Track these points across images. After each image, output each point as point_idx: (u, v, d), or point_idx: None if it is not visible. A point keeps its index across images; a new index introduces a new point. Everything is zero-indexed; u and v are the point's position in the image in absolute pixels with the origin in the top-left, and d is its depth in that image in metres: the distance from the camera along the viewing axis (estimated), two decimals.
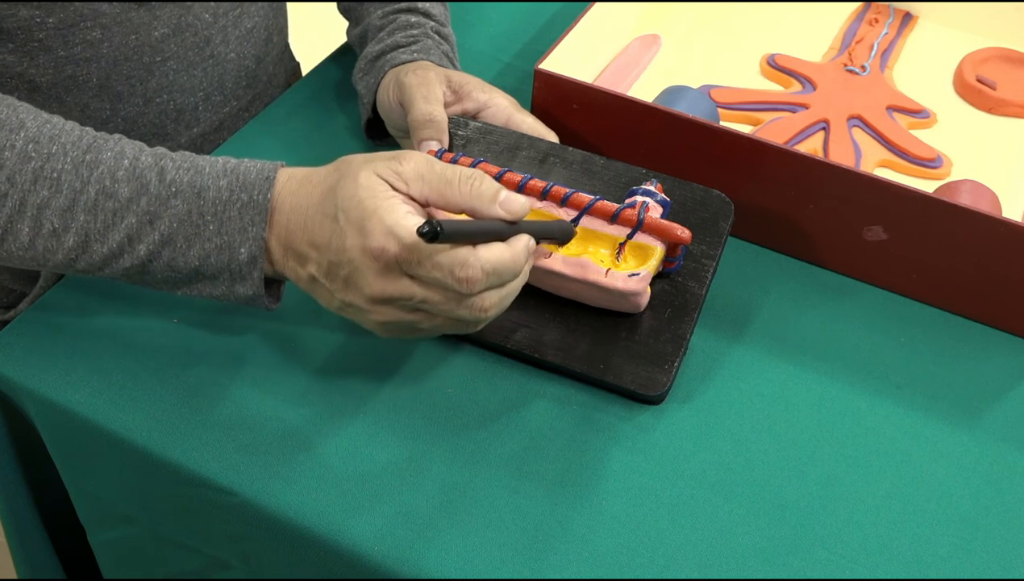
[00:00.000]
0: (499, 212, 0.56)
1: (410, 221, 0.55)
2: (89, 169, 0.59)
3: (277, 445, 0.62)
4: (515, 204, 0.57)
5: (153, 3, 0.76)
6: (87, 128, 0.61)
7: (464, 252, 0.54)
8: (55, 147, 0.59)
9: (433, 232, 0.51)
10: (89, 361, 0.65)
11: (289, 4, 0.99)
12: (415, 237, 0.54)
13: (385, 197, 0.55)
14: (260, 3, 0.87)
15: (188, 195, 0.59)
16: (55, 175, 0.59)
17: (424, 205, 0.57)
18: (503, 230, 0.56)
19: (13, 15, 0.71)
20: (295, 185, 0.59)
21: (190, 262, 0.59)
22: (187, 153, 0.61)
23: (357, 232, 0.55)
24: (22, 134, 0.59)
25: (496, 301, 0.57)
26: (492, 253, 0.55)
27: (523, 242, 0.57)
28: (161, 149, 0.61)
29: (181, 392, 0.64)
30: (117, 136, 0.61)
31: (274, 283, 0.63)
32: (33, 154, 0.59)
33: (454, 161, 0.69)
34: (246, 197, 0.58)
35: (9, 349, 0.66)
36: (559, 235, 0.63)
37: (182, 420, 0.62)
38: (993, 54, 0.93)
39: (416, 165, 0.56)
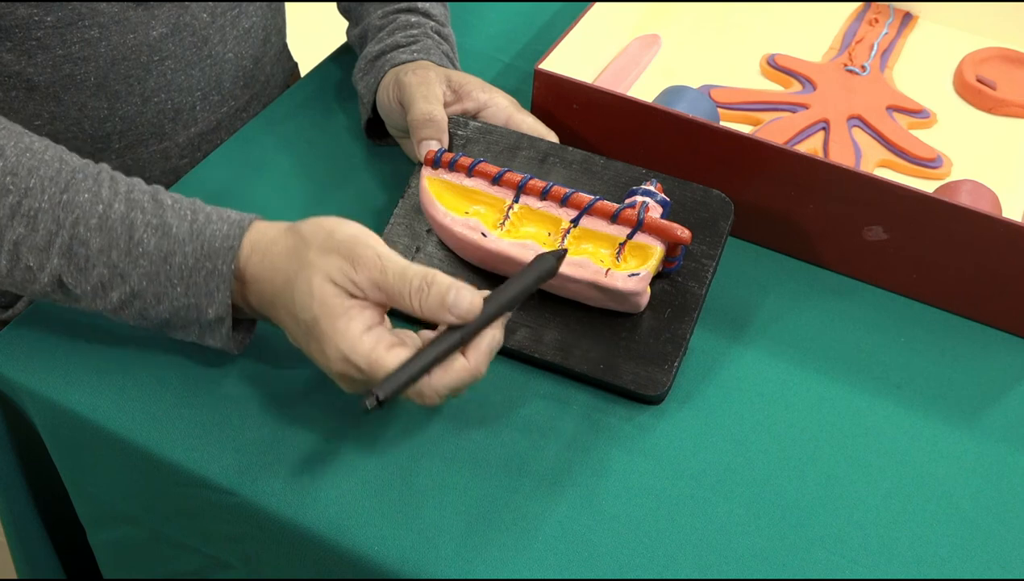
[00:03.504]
0: (451, 318, 0.56)
1: (367, 342, 0.56)
2: (65, 211, 0.59)
3: (277, 445, 0.62)
4: (461, 307, 0.56)
5: (151, 2, 0.76)
6: (67, 158, 0.61)
7: (420, 385, 0.56)
8: (33, 181, 0.59)
9: (377, 403, 0.54)
10: (89, 361, 0.65)
11: (287, 4, 0.99)
12: (372, 362, 0.55)
13: (340, 313, 0.56)
14: (258, 3, 0.87)
15: (155, 258, 0.59)
16: (32, 213, 0.59)
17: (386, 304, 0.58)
18: (461, 339, 0.57)
19: (11, 13, 0.71)
20: (257, 261, 0.59)
21: (160, 314, 0.61)
22: (159, 200, 0.61)
23: (318, 348, 0.57)
24: (0, 164, 0.59)
25: (460, 391, 0.58)
26: (449, 376, 0.56)
27: (484, 348, 0.57)
28: (136, 192, 0.61)
29: (181, 392, 0.64)
30: (96, 170, 0.61)
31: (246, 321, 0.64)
32: (11, 187, 0.59)
33: (454, 161, 0.69)
34: (211, 265, 0.59)
35: (9, 349, 0.66)
36: (542, 281, 0.61)
37: (182, 420, 0.62)
38: (993, 54, 0.93)
39: (370, 274, 0.56)
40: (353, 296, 0.57)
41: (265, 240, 0.59)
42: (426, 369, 0.56)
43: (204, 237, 0.59)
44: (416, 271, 0.56)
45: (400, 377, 0.55)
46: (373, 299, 0.57)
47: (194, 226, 0.60)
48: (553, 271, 0.61)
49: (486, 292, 0.58)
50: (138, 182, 0.62)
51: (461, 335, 0.56)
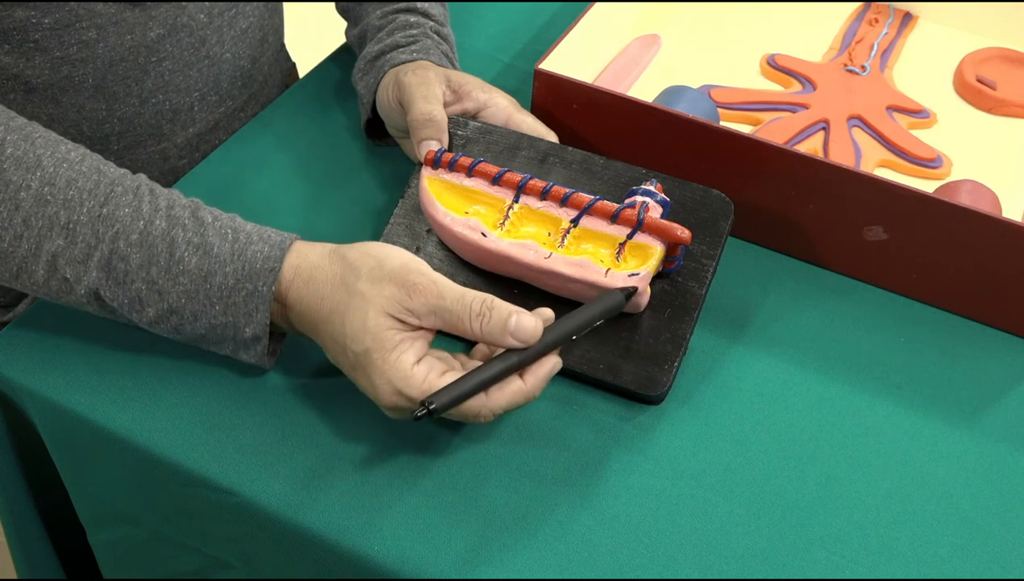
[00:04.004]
0: (512, 342, 0.57)
1: (419, 373, 0.56)
2: (105, 225, 0.59)
3: (277, 445, 0.62)
4: (524, 331, 0.57)
5: (148, 3, 0.76)
6: (104, 169, 0.61)
7: (476, 404, 0.56)
8: (72, 192, 0.59)
9: (428, 414, 0.54)
10: (89, 361, 0.65)
11: (285, 4, 0.99)
12: (425, 391, 0.56)
13: (391, 346, 0.56)
14: (255, 3, 0.87)
15: (195, 277, 0.59)
16: (71, 226, 0.59)
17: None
18: (519, 363, 0.57)
19: (9, 16, 0.71)
20: (301, 285, 0.59)
21: (197, 330, 0.61)
22: (200, 218, 0.61)
23: (368, 381, 0.57)
24: (38, 174, 0.59)
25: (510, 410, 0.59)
26: (505, 397, 0.57)
27: (543, 373, 0.58)
28: (176, 208, 0.61)
29: (181, 392, 0.64)
30: (135, 184, 0.61)
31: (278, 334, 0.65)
32: (49, 198, 0.59)
33: (454, 161, 0.69)
34: (251, 286, 0.59)
35: (9, 349, 0.66)
36: (610, 315, 0.61)
37: (182, 420, 0.62)
38: (993, 54, 0.93)
39: (427, 300, 0.57)
40: (406, 325, 0.57)
41: (307, 265, 0.60)
42: (481, 388, 0.56)
43: (245, 258, 0.59)
44: (475, 295, 0.57)
45: (454, 391, 0.55)
46: (428, 325, 0.57)
47: (235, 246, 0.60)
48: (620, 307, 0.61)
49: (548, 311, 0.59)
50: (177, 196, 0.62)
51: (519, 359, 0.57)
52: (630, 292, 0.62)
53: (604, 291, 0.64)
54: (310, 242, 0.61)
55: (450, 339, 0.66)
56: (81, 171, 0.60)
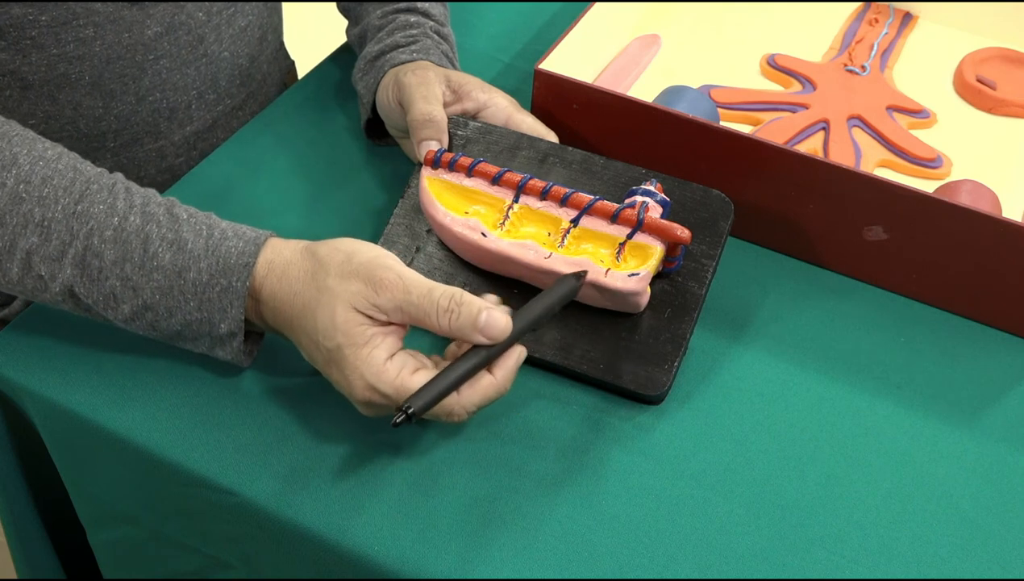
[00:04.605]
0: (481, 339, 0.57)
1: (391, 369, 0.56)
2: (80, 222, 0.59)
3: (277, 445, 0.62)
4: (496, 329, 0.57)
5: (146, 2, 0.76)
6: (81, 167, 0.61)
7: (449, 403, 0.56)
8: (47, 190, 0.59)
9: (407, 418, 0.54)
10: (89, 361, 0.65)
11: (285, 3, 0.99)
12: (398, 388, 0.56)
13: (363, 342, 0.56)
14: (254, 2, 0.87)
15: (169, 272, 0.59)
16: (46, 223, 0.59)
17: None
18: (488, 358, 0.57)
19: (6, 13, 0.71)
20: (274, 281, 0.59)
21: (172, 326, 0.61)
22: (175, 214, 0.60)
23: (339, 374, 0.57)
24: (14, 172, 0.59)
25: (485, 406, 0.59)
26: (477, 394, 0.57)
27: (511, 365, 0.58)
28: (151, 205, 0.61)
29: (181, 392, 0.64)
30: (111, 181, 0.61)
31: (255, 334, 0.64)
32: (24, 195, 0.59)
33: (454, 161, 0.69)
34: (225, 282, 0.59)
35: (9, 349, 0.66)
36: (566, 301, 0.62)
37: (182, 420, 0.62)
38: (993, 54, 0.93)
39: (393, 296, 0.56)
40: (375, 321, 0.57)
41: (281, 260, 0.59)
42: (455, 385, 0.56)
43: (220, 253, 0.59)
44: (443, 291, 0.56)
45: (430, 392, 0.55)
46: (396, 321, 0.57)
47: (210, 242, 0.60)
48: (575, 291, 0.61)
49: (505, 307, 0.59)
50: (153, 194, 0.62)
51: (488, 354, 0.57)
52: (582, 274, 0.62)
53: (605, 290, 0.64)
54: (284, 239, 0.61)
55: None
56: (57, 169, 0.60)
